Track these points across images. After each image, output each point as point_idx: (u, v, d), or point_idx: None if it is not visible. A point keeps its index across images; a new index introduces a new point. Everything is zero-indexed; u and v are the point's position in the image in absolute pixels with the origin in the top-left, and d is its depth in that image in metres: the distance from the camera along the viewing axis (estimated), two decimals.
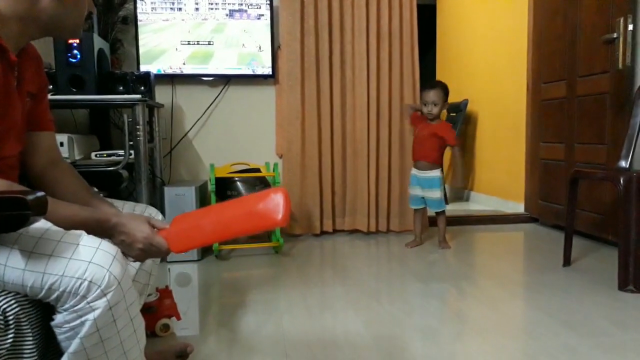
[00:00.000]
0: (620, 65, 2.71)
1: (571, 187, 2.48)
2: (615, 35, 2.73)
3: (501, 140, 4.27)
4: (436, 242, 3.05)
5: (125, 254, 1.04)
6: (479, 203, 4.59)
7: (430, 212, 3.08)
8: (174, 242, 1.09)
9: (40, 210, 0.85)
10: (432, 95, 2.86)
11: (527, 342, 1.67)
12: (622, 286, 2.15)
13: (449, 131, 2.94)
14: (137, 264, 1.26)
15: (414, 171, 3.00)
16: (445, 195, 4.64)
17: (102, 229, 1.04)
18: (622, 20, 2.68)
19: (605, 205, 2.91)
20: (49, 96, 2.37)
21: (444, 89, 2.89)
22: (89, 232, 0.96)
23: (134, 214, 1.19)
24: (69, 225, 0.96)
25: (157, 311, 1.71)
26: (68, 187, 1.20)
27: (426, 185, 2.95)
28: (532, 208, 3.75)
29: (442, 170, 3.01)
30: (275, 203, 1.03)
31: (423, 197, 2.98)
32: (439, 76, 5.72)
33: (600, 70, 2.92)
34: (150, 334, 1.70)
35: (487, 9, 4.51)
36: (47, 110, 1.24)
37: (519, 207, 3.91)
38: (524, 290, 2.26)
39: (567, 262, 2.53)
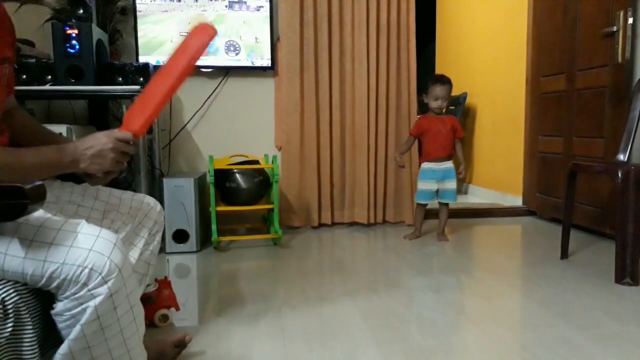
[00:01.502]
0: (619, 59, 2.71)
1: (569, 180, 2.49)
2: (615, 28, 2.73)
3: (500, 134, 4.27)
4: (434, 234, 3.05)
5: (103, 169, 1.04)
6: (477, 196, 4.60)
7: (432, 204, 3.05)
8: (130, 123, 1.07)
9: (38, 199, 0.85)
10: (444, 90, 2.86)
11: (523, 333, 1.68)
12: (619, 279, 2.16)
13: (457, 124, 2.99)
14: (137, 254, 1.26)
15: (430, 165, 2.93)
16: None
17: (68, 156, 1.02)
18: (622, 13, 2.67)
19: (603, 198, 2.92)
20: (48, 87, 2.37)
21: (451, 85, 2.91)
22: (56, 169, 0.99)
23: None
24: (37, 167, 0.98)
25: (156, 302, 1.72)
26: (23, 130, 1.21)
27: (444, 177, 2.93)
28: (530, 201, 3.76)
29: None
30: (202, 27, 1.07)
31: (436, 191, 2.93)
32: (438, 69, 5.71)
33: (600, 64, 2.92)
34: (149, 324, 1.70)
35: (486, 2, 4.50)
36: (11, 75, 1.22)
37: (517, 201, 3.92)
38: (521, 283, 2.27)
39: (564, 255, 2.54)
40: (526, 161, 3.82)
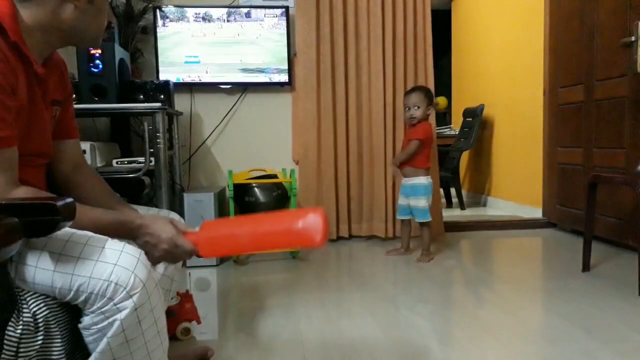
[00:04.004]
0: (638, 69, 2.69)
1: (590, 191, 2.46)
2: (633, 38, 2.71)
3: (518, 145, 4.24)
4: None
5: (148, 257, 1.02)
6: (496, 208, 4.56)
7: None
8: (204, 246, 1.08)
9: (69, 215, 0.88)
10: (413, 98, 2.76)
11: (545, 347, 1.67)
12: None
13: (421, 128, 2.77)
14: (161, 269, 1.29)
15: (403, 179, 2.87)
16: (461, 200, 4.64)
17: (126, 231, 1.04)
18: (639, 23, 2.66)
19: (625, 209, 2.88)
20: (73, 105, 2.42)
21: (425, 91, 2.80)
22: (113, 235, 0.98)
23: (157, 216, 1.17)
24: (93, 228, 0.99)
25: (177, 315, 1.74)
26: (91, 191, 1.24)
27: (410, 193, 2.81)
28: (551, 213, 3.72)
29: (428, 176, 2.82)
30: (314, 223, 1.02)
31: (409, 206, 2.84)
32: (454, 80, 5.72)
33: (618, 74, 2.90)
34: (171, 337, 1.73)
35: (502, 13, 4.50)
36: (72, 119, 1.28)
37: (537, 212, 3.88)
38: (542, 296, 2.24)
39: (586, 267, 2.51)
40: (545, 172, 3.78)
